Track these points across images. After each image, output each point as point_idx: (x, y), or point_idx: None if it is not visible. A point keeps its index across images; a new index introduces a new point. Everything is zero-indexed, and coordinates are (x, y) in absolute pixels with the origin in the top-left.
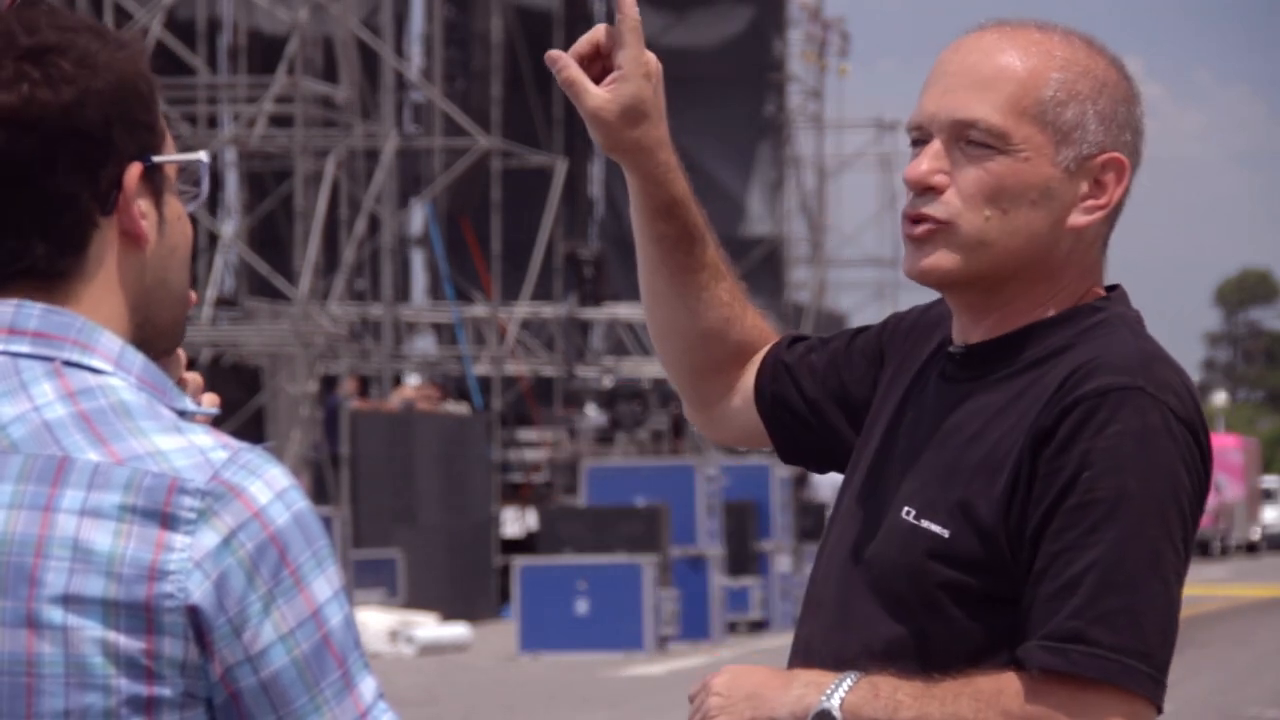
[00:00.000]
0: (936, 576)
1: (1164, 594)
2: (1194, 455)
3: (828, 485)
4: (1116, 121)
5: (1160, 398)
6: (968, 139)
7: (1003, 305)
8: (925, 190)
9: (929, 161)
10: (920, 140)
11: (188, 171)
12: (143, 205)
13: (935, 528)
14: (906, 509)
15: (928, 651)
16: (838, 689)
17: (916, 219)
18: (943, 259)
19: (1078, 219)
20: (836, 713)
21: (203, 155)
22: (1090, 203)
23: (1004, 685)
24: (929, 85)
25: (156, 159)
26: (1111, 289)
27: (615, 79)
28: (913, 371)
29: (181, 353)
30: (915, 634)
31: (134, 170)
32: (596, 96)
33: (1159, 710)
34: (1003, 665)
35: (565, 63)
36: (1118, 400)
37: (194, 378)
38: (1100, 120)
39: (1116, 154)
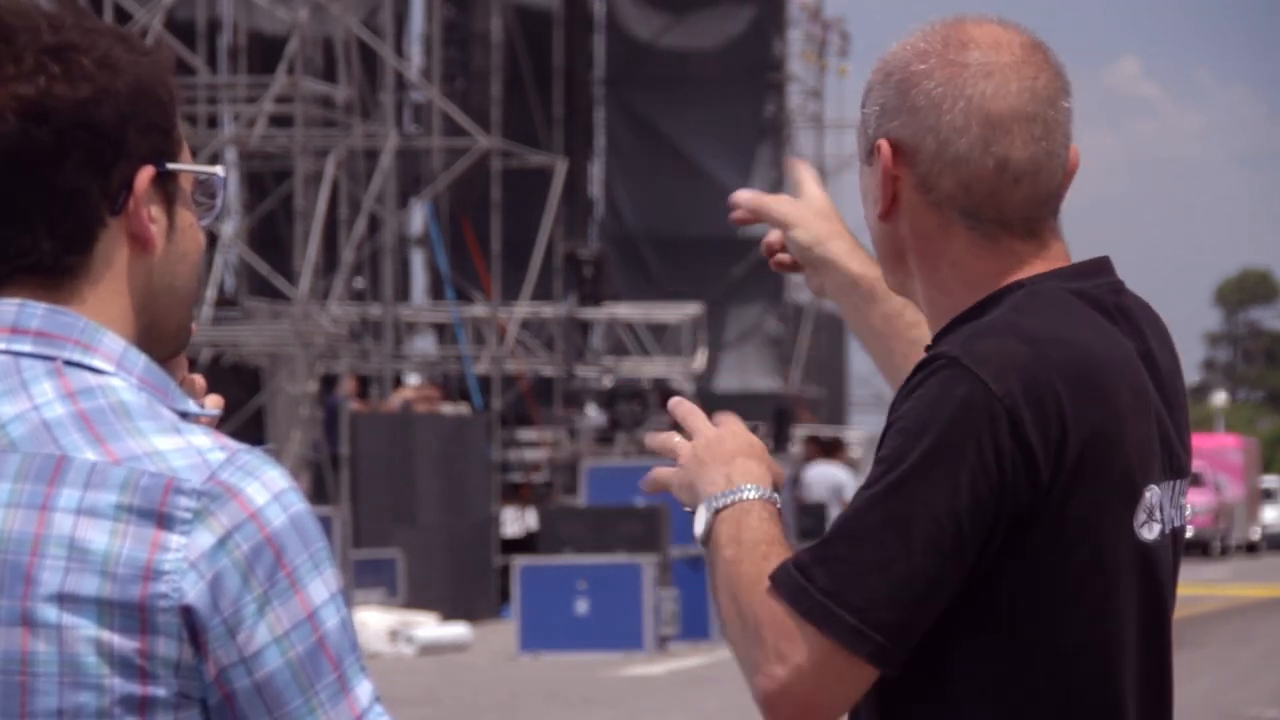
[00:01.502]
0: None
1: (903, 560)
2: (1001, 432)
3: (820, 485)
4: (900, 106)
5: (973, 370)
6: None
7: (919, 305)
8: None
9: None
10: None
11: (205, 184)
12: (153, 210)
13: None
14: None
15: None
16: (729, 498)
17: None
18: None
19: (877, 208)
20: (708, 520)
21: (219, 170)
22: (879, 190)
23: (764, 580)
24: None
25: (170, 166)
26: (1096, 261)
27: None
28: None
29: (184, 357)
30: None
31: (145, 173)
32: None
33: (876, 667)
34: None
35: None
36: (932, 370)
37: (197, 380)
38: (883, 109)
39: (879, 140)
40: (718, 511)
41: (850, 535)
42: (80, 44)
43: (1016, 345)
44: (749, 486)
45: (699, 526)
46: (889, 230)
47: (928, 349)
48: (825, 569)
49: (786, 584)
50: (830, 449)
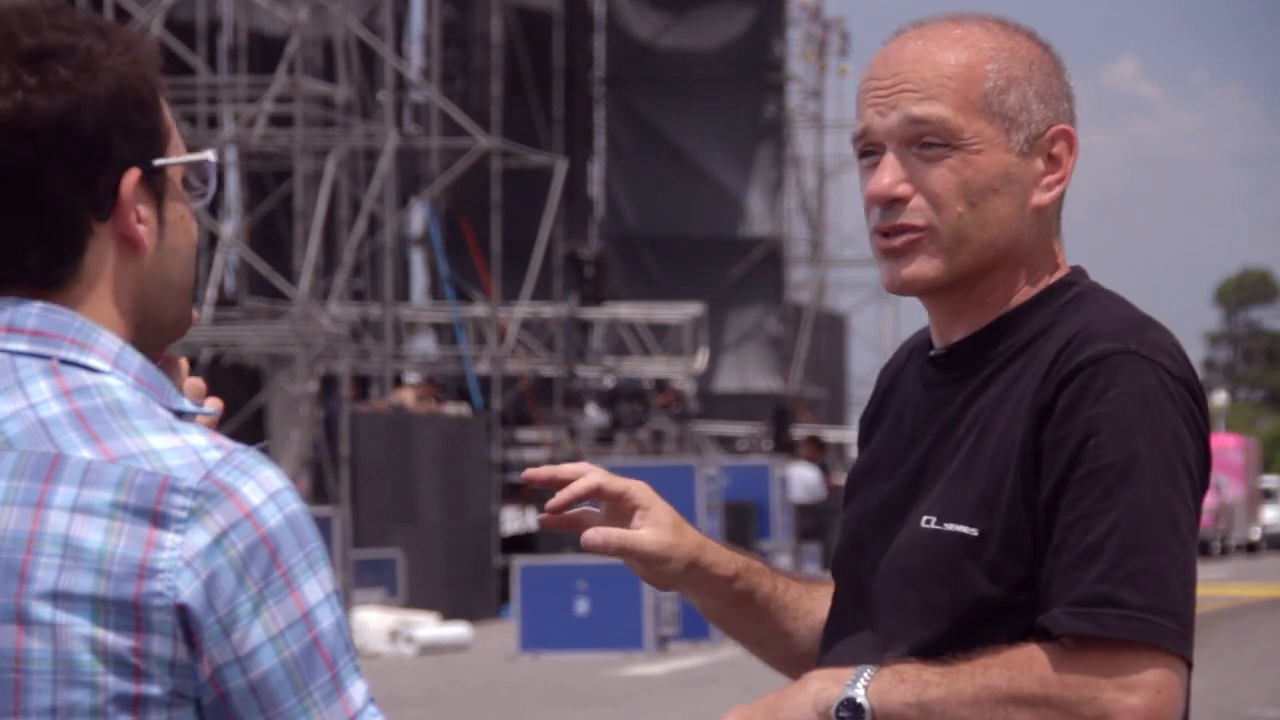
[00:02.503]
0: (972, 576)
1: (1184, 552)
2: (1194, 414)
3: (800, 488)
4: (1053, 94)
5: (1154, 359)
6: (921, 142)
7: (981, 299)
8: (892, 202)
9: (889, 174)
10: (869, 151)
11: (197, 170)
12: (142, 210)
13: (962, 528)
14: (926, 518)
15: (969, 652)
16: (859, 677)
17: (892, 231)
18: (924, 267)
19: (1040, 197)
20: (862, 699)
21: (209, 155)
22: (1049, 179)
23: (1035, 654)
24: (868, 97)
25: (157, 162)
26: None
27: (641, 516)
28: (901, 391)
29: (184, 360)
30: (956, 638)
31: (131, 176)
32: (649, 541)
33: (1189, 665)
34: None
35: (604, 536)
36: (1114, 365)
37: (195, 383)
38: (1040, 98)
39: (1063, 125)
40: (866, 690)
41: (1138, 548)
42: (57, 48)
43: (1164, 334)
44: (857, 670)
45: None
46: (1028, 219)
47: (967, 341)
48: (1132, 588)
49: (1094, 623)
50: (793, 451)
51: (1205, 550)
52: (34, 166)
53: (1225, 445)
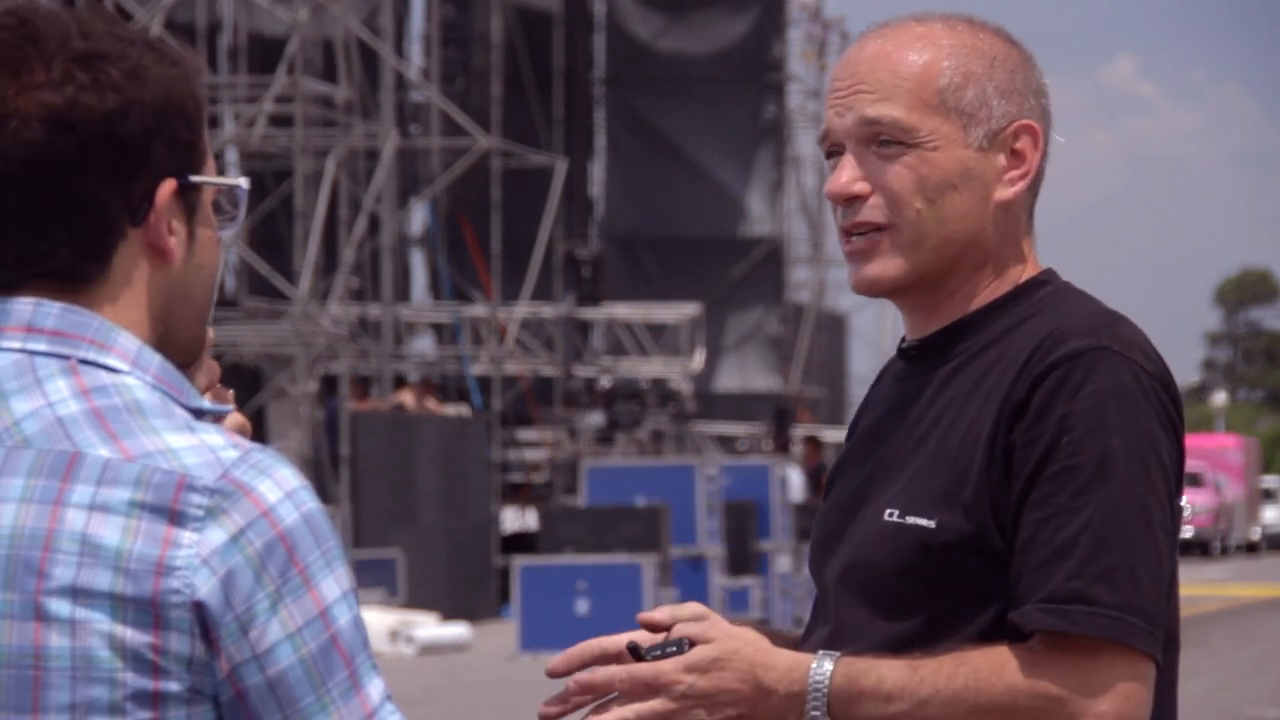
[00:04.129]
0: (930, 568)
1: (1156, 550)
2: (1168, 411)
3: (800, 489)
4: (1016, 90)
5: (1129, 356)
6: (878, 140)
7: (948, 296)
8: (850, 200)
9: (847, 172)
10: (835, 152)
11: (229, 195)
12: (174, 222)
13: (921, 521)
14: (889, 511)
15: (936, 645)
16: (820, 701)
17: (854, 229)
18: (886, 266)
19: (1003, 193)
20: None
21: (243, 182)
22: (1012, 174)
23: (1002, 659)
24: (830, 98)
25: (194, 178)
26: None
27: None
28: (878, 388)
29: (216, 365)
30: (921, 632)
31: (167, 186)
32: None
33: (1158, 665)
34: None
35: None
36: (1089, 362)
37: (228, 393)
38: (1000, 94)
39: (1026, 121)
40: (827, 702)
41: (1111, 544)
42: (110, 53)
43: (1138, 332)
44: (816, 659)
45: None
46: (992, 214)
47: (939, 334)
48: (1104, 585)
49: (1066, 620)
50: (789, 451)
51: (1205, 550)
52: (75, 163)
53: (1225, 445)
